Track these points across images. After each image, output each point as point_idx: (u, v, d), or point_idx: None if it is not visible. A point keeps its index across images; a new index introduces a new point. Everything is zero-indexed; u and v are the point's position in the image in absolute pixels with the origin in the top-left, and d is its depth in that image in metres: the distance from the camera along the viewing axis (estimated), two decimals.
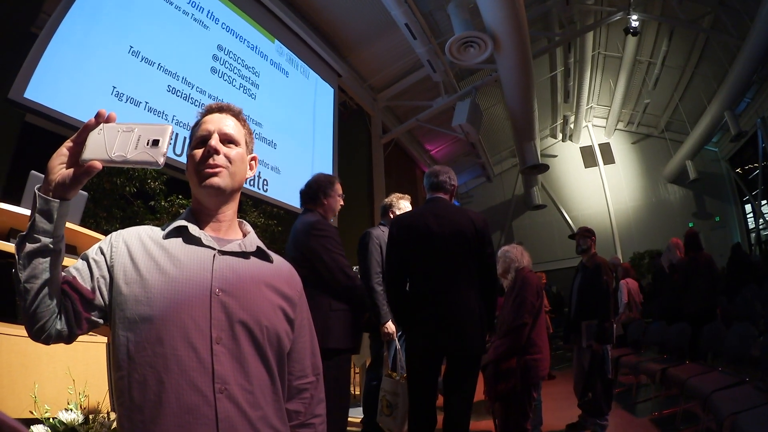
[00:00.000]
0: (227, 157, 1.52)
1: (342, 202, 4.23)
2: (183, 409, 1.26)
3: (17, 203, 2.99)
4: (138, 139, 1.27)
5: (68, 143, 1.29)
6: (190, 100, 6.64)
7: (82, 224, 3.60)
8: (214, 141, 1.51)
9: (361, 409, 5.42)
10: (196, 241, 1.47)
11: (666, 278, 9.26)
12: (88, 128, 1.28)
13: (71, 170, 1.26)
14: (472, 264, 3.72)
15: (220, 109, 1.63)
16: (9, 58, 5.52)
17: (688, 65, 16.99)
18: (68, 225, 3.16)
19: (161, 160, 1.27)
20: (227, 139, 1.55)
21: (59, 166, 1.26)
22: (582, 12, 14.78)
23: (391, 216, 5.01)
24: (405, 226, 3.81)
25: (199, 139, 1.56)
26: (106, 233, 1.53)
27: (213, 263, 1.44)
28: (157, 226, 1.56)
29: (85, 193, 3.93)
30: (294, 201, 7.93)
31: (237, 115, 1.65)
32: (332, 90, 11.11)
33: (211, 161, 1.49)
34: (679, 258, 8.47)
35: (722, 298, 8.57)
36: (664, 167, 20.98)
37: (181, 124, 6.39)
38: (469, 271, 3.70)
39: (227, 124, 1.58)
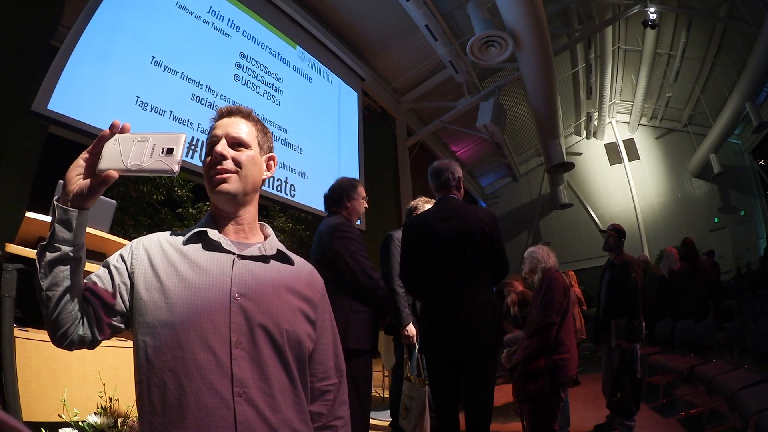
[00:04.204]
0: (236, 161, 1.53)
1: (366, 205, 4.24)
2: (202, 412, 1.28)
3: (44, 212, 3.04)
4: (153, 148, 1.29)
5: (84, 154, 1.31)
6: (214, 108, 6.66)
7: (111, 232, 3.66)
8: (221, 147, 1.52)
9: (389, 412, 5.44)
10: (215, 246, 1.48)
11: (664, 283, 9.47)
12: (103, 139, 1.31)
13: (88, 180, 1.29)
14: (483, 262, 3.68)
15: (230, 112, 1.64)
16: (30, 71, 5.63)
17: (707, 56, 16.74)
18: (97, 233, 3.23)
19: (176, 168, 1.29)
20: (236, 143, 1.56)
21: (76, 176, 1.29)
22: (600, 6, 14.60)
23: None
24: (413, 229, 3.83)
25: (209, 145, 1.57)
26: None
27: (232, 268, 1.45)
28: (180, 231, 1.58)
29: (114, 201, 3.98)
30: (322, 205, 8.00)
31: (247, 116, 1.65)
32: (356, 94, 11.15)
33: (219, 167, 1.50)
34: (678, 265, 9.02)
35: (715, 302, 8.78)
36: (688, 162, 20.67)
37: (206, 132, 6.42)
38: (480, 269, 3.66)
39: (236, 127, 1.59)
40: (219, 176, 1.50)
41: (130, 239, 1.58)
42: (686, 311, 8.11)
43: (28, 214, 2.99)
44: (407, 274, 3.78)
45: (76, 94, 5.14)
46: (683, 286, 8.47)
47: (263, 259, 1.54)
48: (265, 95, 7.89)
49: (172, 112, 6.12)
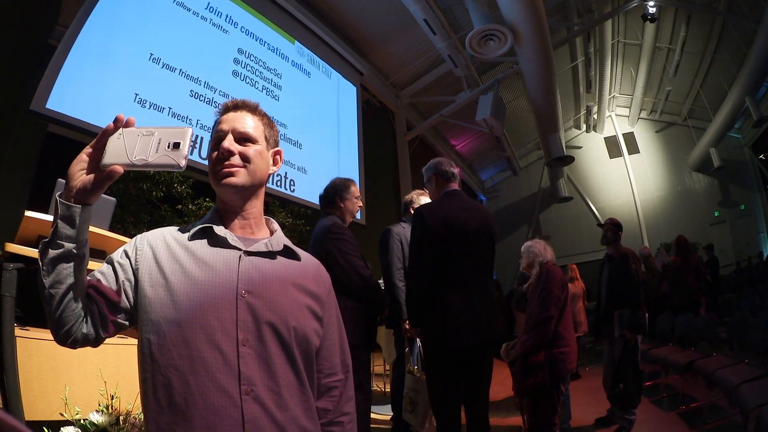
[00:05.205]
0: (243, 156, 1.51)
1: (360, 204, 4.34)
2: (209, 411, 1.27)
3: (44, 211, 3.03)
4: (158, 143, 1.27)
5: (88, 149, 1.29)
6: (213, 104, 6.69)
7: (111, 229, 3.65)
8: (228, 142, 1.50)
9: (390, 406, 5.45)
10: (221, 242, 1.47)
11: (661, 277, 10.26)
12: (107, 133, 1.28)
13: (92, 176, 1.26)
14: (493, 256, 3.81)
15: (236, 106, 1.61)
16: (29, 70, 5.62)
17: (707, 50, 16.81)
18: (97, 230, 3.21)
19: (183, 163, 1.27)
20: (243, 137, 1.53)
21: (80, 172, 1.27)
22: (599, 0, 14.63)
23: (413, 213, 4.99)
24: (440, 220, 3.68)
25: (215, 140, 1.55)
26: (133, 237, 1.54)
27: (239, 264, 1.44)
28: (185, 226, 1.56)
29: (113, 198, 3.97)
30: None
31: (254, 110, 1.62)
32: (355, 89, 11.13)
33: (226, 163, 1.48)
34: (671, 260, 9.69)
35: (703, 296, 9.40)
36: (688, 155, 20.73)
37: (206, 128, 6.46)
38: (491, 263, 3.81)
39: (242, 121, 1.56)
40: (225, 170, 1.48)
41: (131, 236, 1.56)
42: (676, 304, 8.53)
43: (28, 213, 2.98)
44: (427, 263, 3.64)
45: (74, 92, 5.14)
46: (674, 280, 8.93)
47: (270, 254, 1.52)
48: (264, 91, 7.88)
49: (170, 108, 6.12)
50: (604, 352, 5.76)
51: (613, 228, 5.76)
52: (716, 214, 20.08)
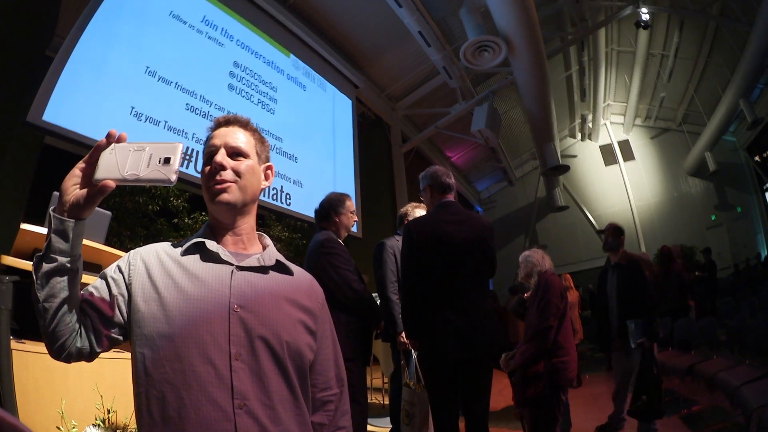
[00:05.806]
0: (236, 171, 1.51)
1: (355, 218, 4.36)
2: (203, 425, 1.27)
3: (40, 224, 3.03)
4: (150, 158, 1.28)
5: (80, 164, 1.30)
6: (209, 117, 6.66)
7: (106, 243, 3.65)
8: (220, 156, 1.51)
9: (388, 419, 5.44)
10: (213, 257, 1.47)
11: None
12: (99, 148, 1.30)
13: (85, 190, 1.27)
14: (487, 268, 3.77)
15: (227, 122, 1.62)
16: (26, 81, 5.60)
17: (700, 55, 16.90)
18: (93, 244, 3.22)
19: (173, 178, 1.28)
20: (235, 152, 1.54)
21: (73, 186, 1.28)
22: (593, 9, 14.67)
23: None
24: (427, 233, 3.70)
25: (207, 155, 1.56)
26: (128, 251, 1.55)
27: (231, 279, 1.44)
28: (178, 242, 1.56)
29: (109, 212, 3.98)
30: None
31: (245, 125, 1.63)
32: (350, 101, 11.15)
33: (218, 177, 1.49)
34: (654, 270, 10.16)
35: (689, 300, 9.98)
36: (684, 160, 20.79)
37: (201, 142, 6.41)
38: (486, 275, 3.77)
39: (234, 136, 1.57)
40: (218, 186, 1.49)
41: (127, 250, 1.57)
42: (664, 312, 8.94)
43: (24, 226, 2.99)
44: (413, 278, 3.69)
45: (71, 104, 5.14)
46: (658, 289, 9.24)
47: (262, 269, 1.52)
48: (260, 104, 7.89)
49: (166, 122, 6.11)
50: (615, 363, 5.61)
51: (614, 233, 5.65)
52: (713, 217, 20.13)
